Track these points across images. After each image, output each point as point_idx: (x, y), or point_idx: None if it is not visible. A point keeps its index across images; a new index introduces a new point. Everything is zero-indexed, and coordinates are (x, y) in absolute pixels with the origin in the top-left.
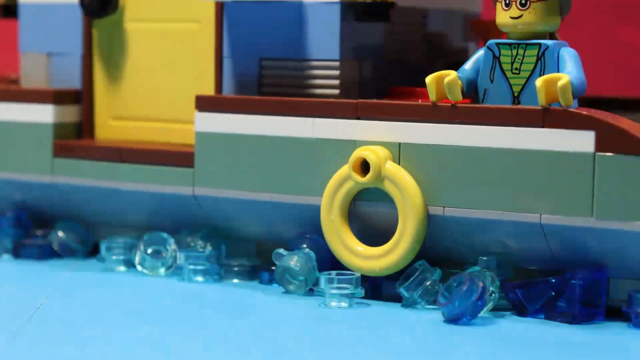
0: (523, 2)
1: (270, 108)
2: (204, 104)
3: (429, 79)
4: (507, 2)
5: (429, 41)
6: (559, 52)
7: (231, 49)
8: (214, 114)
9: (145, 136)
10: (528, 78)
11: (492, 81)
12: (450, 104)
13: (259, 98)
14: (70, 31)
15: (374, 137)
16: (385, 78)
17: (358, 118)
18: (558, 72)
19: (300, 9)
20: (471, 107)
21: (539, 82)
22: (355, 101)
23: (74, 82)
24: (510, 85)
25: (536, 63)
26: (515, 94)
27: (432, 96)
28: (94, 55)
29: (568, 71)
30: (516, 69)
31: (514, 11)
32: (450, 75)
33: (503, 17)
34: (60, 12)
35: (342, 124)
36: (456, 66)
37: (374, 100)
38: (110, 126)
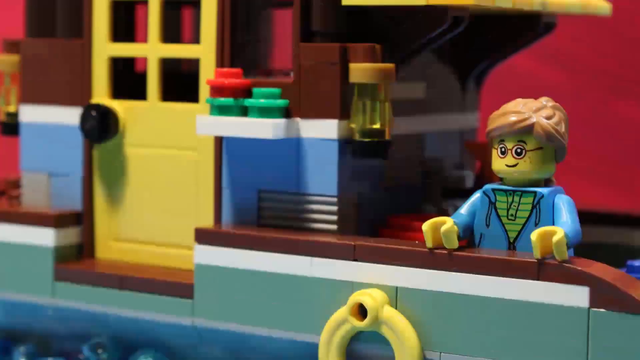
0: (518, 151)
1: (269, 245)
2: (203, 237)
3: (425, 226)
4: (503, 150)
5: (425, 166)
6: (554, 200)
7: (230, 180)
8: (213, 247)
9: (145, 259)
10: (524, 225)
11: (488, 226)
12: (446, 252)
13: (259, 234)
14: (71, 152)
15: (371, 279)
16: (383, 206)
17: (356, 260)
18: (553, 219)
19: (298, 143)
20: (467, 256)
21: (534, 235)
22: (353, 243)
23: (75, 202)
24: (506, 231)
25: (531, 211)
26: (511, 240)
27: (429, 243)
28: (95, 177)
29: (563, 221)
30: (512, 215)
31: (510, 159)
32: (447, 223)
33: (499, 164)
34: (61, 133)
35: (340, 265)
36: (453, 193)
37: (372, 243)
38: (111, 247)
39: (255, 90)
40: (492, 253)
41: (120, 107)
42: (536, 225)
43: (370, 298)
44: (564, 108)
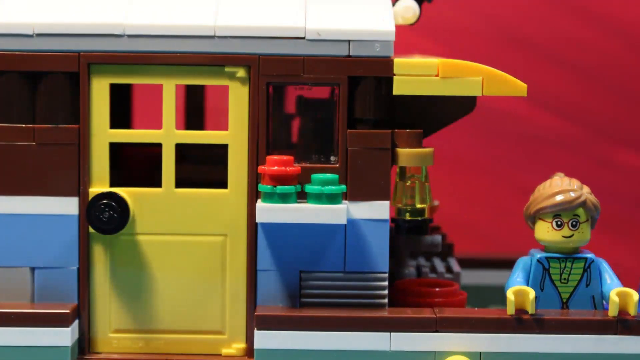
0: (574, 223)
1: (343, 324)
2: (265, 322)
3: (511, 295)
4: (559, 223)
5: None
6: (599, 264)
7: (268, 263)
8: (278, 331)
9: (164, 348)
10: (575, 287)
11: (542, 289)
12: (530, 316)
13: (330, 315)
14: (63, 244)
15: (454, 347)
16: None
17: (437, 331)
18: (600, 281)
19: (347, 224)
20: (550, 319)
21: (615, 295)
22: (434, 316)
23: (68, 297)
24: (559, 293)
25: (582, 274)
26: (564, 300)
27: (512, 309)
28: (96, 269)
29: (611, 281)
30: (565, 279)
31: (567, 231)
32: (531, 292)
33: (553, 235)
34: (48, 224)
35: (421, 337)
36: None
37: (454, 315)
38: (113, 340)
39: (314, 176)
40: (571, 314)
41: (128, 194)
42: (587, 286)
43: None
44: (563, 153)
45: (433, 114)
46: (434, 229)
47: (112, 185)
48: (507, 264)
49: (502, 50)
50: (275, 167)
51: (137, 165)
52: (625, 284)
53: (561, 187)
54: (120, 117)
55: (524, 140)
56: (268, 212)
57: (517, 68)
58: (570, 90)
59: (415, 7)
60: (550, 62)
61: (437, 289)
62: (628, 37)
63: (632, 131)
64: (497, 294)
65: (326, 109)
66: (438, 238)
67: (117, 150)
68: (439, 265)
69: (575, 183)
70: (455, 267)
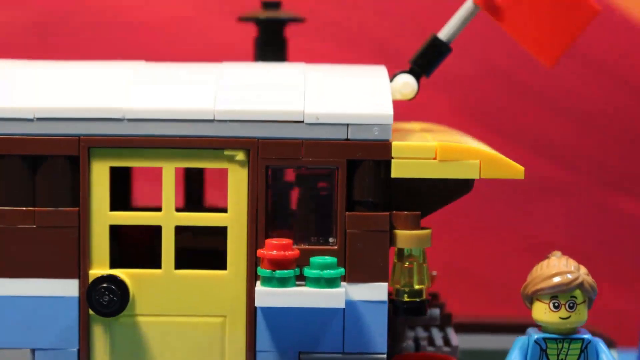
0: (571, 305)
1: None
2: None
3: None
4: (557, 304)
5: None
6: (596, 345)
7: (267, 344)
8: None
9: None
10: None
11: None
12: None
13: None
14: (63, 325)
15: None
16: None
17: None
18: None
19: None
20: None
21: None
22: None
23: None
24: None
25: (580, 354)
26: None
27: None
28: (96, 350)
29: None
30: (562, 358)
31: (564, 313)
32: None
33: (551, 316)
34: (48, 306)
35: None
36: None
37: None
38: None
39: (313, 260)
40: None
41: (128, 276)
42: None
43: None
44: (562, 201)
45: (431, 194)
46: (432, 296)
47: (112, 266)
48: (505, 328)
49: (501, 97)
50: (274, 252)
51: (136, 243)
52: (623, 332)
53: (558, 269)
54: (120, 196)
55: (523, 188)
56: (267, 296)
57: (516, 115)
58: (569, 137)
59: (413, 83)
60: (548, 108)
61: None
62: (628, 85)
63: (631, 178)
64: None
65: (325, 191)
66: (436, 312)
67: (117, 228)
68: (437, 337)
69: (572, 264)
70: (454, 339)
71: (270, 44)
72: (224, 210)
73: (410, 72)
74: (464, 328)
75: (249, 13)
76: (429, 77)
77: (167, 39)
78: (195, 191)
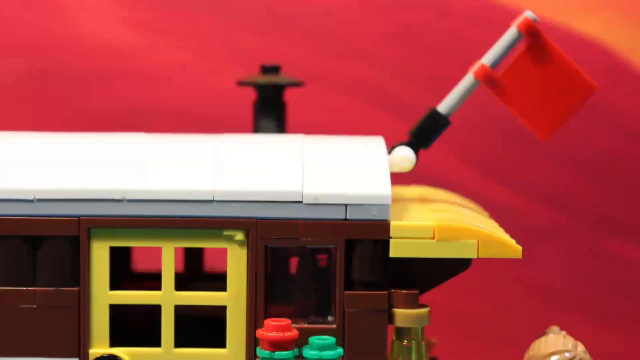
0: None
1: None
2: None
3: None
4: None
5: None
6: None
7: None
8: None
9: None
10: None
11: None
12: None
13: None
14: None
15: None
16: None
17: None
18: None
19: None
20: None
21: None
22: None
23: None
24: None
25: None
26: None
27: None
28: None
29: None
30: None
31: None
32: None
33: None
34: None
35: None
36: None
37: None
38: None
39: (312, 340)
40: None
41: (128, 355)
42: None
43: None
44: (552, 245)
45: (429, 271)
46: None
47: (112, 345)
48: None
49: (496, 143)
50: (273, 333)
51: (136, 317)
52: None
53: (556, 347)
54: (120, 273)
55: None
56: None
57: (511, 160)
58: (565, 182)
59: (411, 157)
60: (545, 154)
61: None
62: (622, 130)
63: (626, 223)
64: None
65: (323, 270)
66: None
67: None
68: None
69: (570, 341)
70: None
71: (269, 110)
72: (224, 277)
73: (409, 144)
74: None
75: (249, 78)
76: (427, 149)
77: (169, 86)
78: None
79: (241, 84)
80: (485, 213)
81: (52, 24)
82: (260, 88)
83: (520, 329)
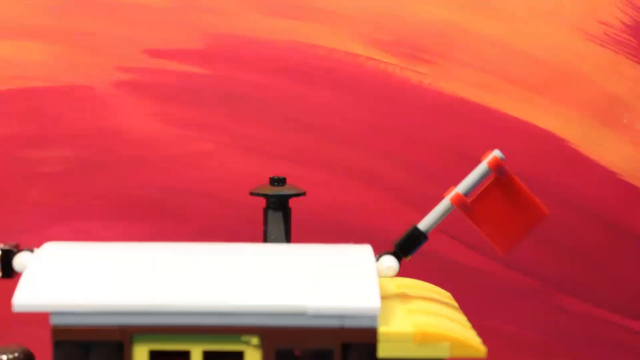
0: None
1: None
2: None
3: None
4: None
5: None
6: None
7: None
8: None
9: None
10: None
11: None
12: None
13: None
14: None
15: None
16: None
17: None
18: None
19: None
20: None
21: None
22: None
23: None
24: None
25: None
26: None
27: None
28: None
29: None
30: None
31: None
32: None
33: None
34: None
35: None
36: None
37: None
38: None
39: None
40: None
41: None
42: None
43: None
44: (510, 304)
45: None
46: None
47: None
48: None
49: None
50: None
51: None
52: None
53: None
54: None
55: (489, 291)
56: None
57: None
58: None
59: (395, 266)
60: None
61: None
62: (580, 207)
63: (577, 284)
64: None
65: None
66: None
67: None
68: None
69: None
70: None
71: (277, 216)
72: None
73: (394, 254)
74: None
75: (259, 188)
76: (408, 259)
77: (194, 170)
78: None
79: (253, 194)
80: (455, 305)
81: (95, 118)
82: (269, 198)
83: None
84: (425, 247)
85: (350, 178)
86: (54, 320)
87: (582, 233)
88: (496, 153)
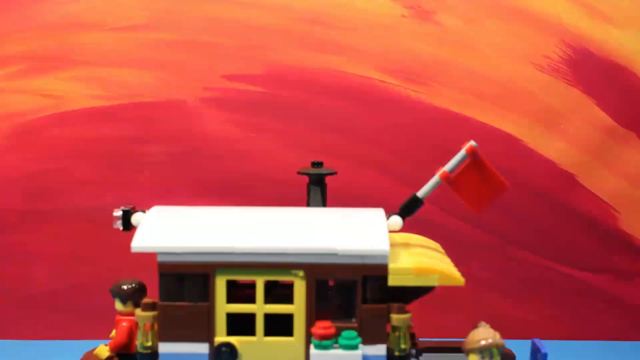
0: (491, 356)
1: None
2: None
3: None
4: (482, 357)
5: None
6: None
7: None
8: None
9: None
10: None
11: None
12: None
13: None
14: None
15: None
16: None
17: None
18: None
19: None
20: None
21: None
22: None
23: None
24: None
25: None
26: None
27: None
28: None
29: None
30: None
31: None
32: None
33: None
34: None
35: None
36: None
37: None
38: None
39: (344, 333)
40: None
41: (236, 341)
42: None
43: None
44: (476, 254)
45: (410, 293)
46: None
47: (228, 334)
48: None
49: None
50: (321, 330)
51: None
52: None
53: (483, 336)
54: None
55: (463, 244)
56: (318, 357)
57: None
58: (494, 216)
59: (400, 222)
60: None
61: None
62: (530, 187)
63: (526, 241)
64: None
65: (350, 293)
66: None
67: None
68: None
69: (491, 332)
70: None
71: (316, 189)
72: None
73: (399, 215)
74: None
75: (304, 169)
76: (409, 218)
77: (257, 162)
78: None
79: (300, 173)
80: (442, 251)
81: (186, 124)
82: (310, 175)
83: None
84: (420, 213)
85: (369, 167)
86: (160, 258)
87: (531, 205)
88: (472, 143)
